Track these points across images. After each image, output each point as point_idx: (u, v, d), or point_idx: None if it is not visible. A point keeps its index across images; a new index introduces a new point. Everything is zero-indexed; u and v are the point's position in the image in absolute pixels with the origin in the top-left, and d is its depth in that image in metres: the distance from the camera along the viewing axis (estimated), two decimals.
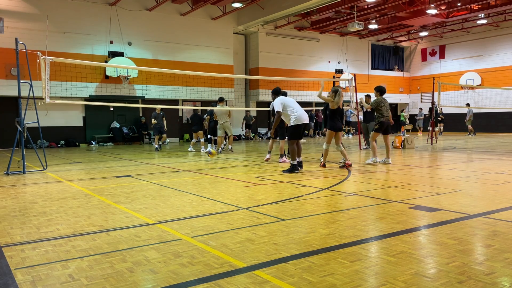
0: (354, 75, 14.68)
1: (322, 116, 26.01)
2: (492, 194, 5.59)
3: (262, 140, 23.11)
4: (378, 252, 3.24)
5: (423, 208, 4.74)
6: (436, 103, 16.52)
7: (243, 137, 24.21)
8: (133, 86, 20.48)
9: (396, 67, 32.06)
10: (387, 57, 31.57)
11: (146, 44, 21.05)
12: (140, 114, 21.70)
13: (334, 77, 27.14)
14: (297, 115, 8.27)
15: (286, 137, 9.05)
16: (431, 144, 16.21)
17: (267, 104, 20.88)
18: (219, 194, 5.93)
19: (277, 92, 9.21)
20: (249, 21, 23.13)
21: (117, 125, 20.94)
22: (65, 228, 4.14)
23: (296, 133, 8.32)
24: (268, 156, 10.46)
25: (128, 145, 20.37)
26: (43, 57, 9.05)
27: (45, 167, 9.42)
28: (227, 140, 15.04)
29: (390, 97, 27.37)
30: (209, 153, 11.24)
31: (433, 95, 16.99)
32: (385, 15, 23.73)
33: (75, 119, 19.97)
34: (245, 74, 25.49)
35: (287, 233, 3.77)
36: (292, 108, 8.35)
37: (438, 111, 21.29)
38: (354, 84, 13.89)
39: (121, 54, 20.12)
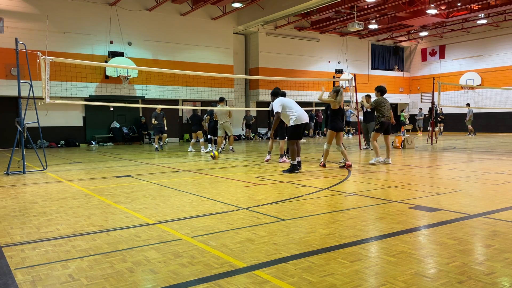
0: (354, 75, 14.69)
1: (322, 116, 26.03)
2: (492, 194, 5.59)
3: (262, 140, 23.11)
4: (378, 252, 3.24)
5: (423, 208, 4.74)
6: (436, 103, 16.52)
7: (243, 137, 24.21)
8: (133, 86, 20.48)
9: (396, 67, 32.06)
10: (387, 57, 31.57)
11: (146, 44, 21.05)
12: (140, 114, 21.70)
13: (334, 77, 27.14)
14: (297, 115, 8.27)
15: (286, 137, 9.04)
16: (431, 144, 16.21)
17: (267, 104, 20.88)
18: (219, 194, 5.93)
19: (276, 94, 9.23)
20: (249, 21, 23.14)
21: (117, 125, 20.95)
22: (65, 228, 4.14)
23: (296, 133, 8.32)
24: (268, 157, 10.42)
25: (128, 145, 20.37)
26: (43, 57, 9.05)
27: (45, 167, 9.42)
28: (227, 140, 15.04)
29: (390, 97, 27.33)
30: (213, 157, 11.12)
31: (433, 95, 16.99)
32: (385, 15, 23.73)
33: (75, 119, 19.97)
34: (245, 74, 25.50)
35: (287, 233, 3.77)
36: (291, 108, 8.35)
37: (438, 111, 21.30)
38: (354, 84, 13.89)
39: (121, 54, 20.12)
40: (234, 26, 23.87)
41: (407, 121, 25.95)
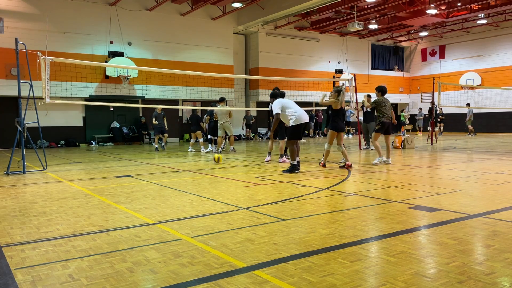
0: (354, 75, 14.69)
1: (322, 116, 26.04)
2: (492, 194, 5.59)
3: (262, 140, 23.11)
4: (378, 252, 3.24)
5: (423, 208, 4.74)
6: (436, 103, 16.51)
7: (243, 137, 24.21)
8: (133, 86, 20.48)
9: (396, 67, 32.06)
10: (387, 57, 31.58)
11: (146, 44, 21.05)
12: (140, 114, 21.70)
13: (334, 77, 27.14)
14: (297, 115, 8.27)
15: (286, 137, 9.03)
16: (431, 144, 16.21)
17: (267, 104, 20.87)
18: (219, 194, 5.93)
19: (274, 96, 9.26)
20: (249, 21, 23.14)
21: (117, 125, 20.95)
22: (65, 228, 4.14)
23: (296, 133, 8.31)
24: (268, 158, 10.37)
25: (128, 145, 20.37)
26: (43, 57, 9.05)
27: (45, 167, 9.42)
28: (227, 140, 15.03)
29: (390, 97, 27.20)
30: (216, 161, 10.72)
31: (433, 95, 16.99)
32: (385, 15, 23.73)
33: (75, 119, 19.98)
34: (245, 74, 25.50)
35: (287, 233, 3.77)
36: (291, 108, 8.35)
37: (438, 111, 21.29)
38: (354, 84, 13.89)
39: (121, 54, 20.12)
40: (234, 26, 23.87)
41: (407, 121, 25.95)
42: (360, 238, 3.61)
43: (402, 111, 27.99)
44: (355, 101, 13.83)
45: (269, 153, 10.46)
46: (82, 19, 19.27)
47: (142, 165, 10.27)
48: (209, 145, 14.57)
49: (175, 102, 21.71)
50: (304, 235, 3.72)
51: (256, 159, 11.51)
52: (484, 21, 25.43)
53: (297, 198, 5.54)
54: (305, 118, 8.37)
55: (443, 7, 22.52)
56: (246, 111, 23.68)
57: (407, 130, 24.53)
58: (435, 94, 16.22)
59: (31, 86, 8.85)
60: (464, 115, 25.15)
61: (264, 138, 24.79)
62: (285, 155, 10.36)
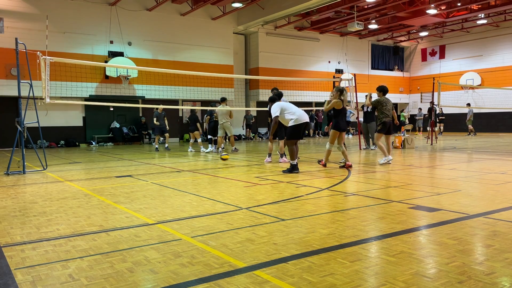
0: (354, 75, 14.69)
1: (322, 116, 26.04)
2: (492, 194, 5.59)
3: (262, 140, 23.11)
4: (378, 252, 3.24)
5: (423, 208, 4.74)
6: (436, 104, 16.52)
7: (243, 137, 24.20)
8: (133, 86, 20.48)
9: (396, 67, 32.07)
10: (387, 57, 31.58)
11: (146, 44, 21.05)
12: (140, 114, 21.71)
13: (334, 77, 27.13)
14: (297, 115, 8.27)
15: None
16: (431, 144, 16.21)
17: (267, 104, 20.87)
18: (219, 194, 5.93)
19: (273, 100, 9.29)
20: (249, 21, 23.14)
21: (117, 125, 20.95)
22: (65, 228, 4.14)
23: (296, 133, 8.30)
24: (269, 159, 10.36)
25: (128, 145, 20.37)
26: (43, 57, 9.05)
27: (45, 167, 9.42)
28: (227, 141, 15.03)
29: (390, 97, 27.21)
30: (221, 158, 10.80)
31: (433, 95, 16.99)
32: (385, 15, 23.74)
33: (75, 119, 19.98)
34: (245, 74, 25.50)
35: (287, 233, 3.77)
36: (290, 110, 8.37)
37: (438, 111, 21.29)
38: (354, 84, 13.89)
39: (121, 54, 20.13)
40: (234, 26, 23.87)
41: (407, 121, 25.94)
42: (360, 238, 3.61)
43: (402, 111, 28.00)
44: (355, 101, 13.82)
45: (269, 154, 10.45)
46: (82, 19, 19.28)
47: (142, 165, 10.27)
48: (209, 145, 14.58)
49: (175, 102, 21.71)
50: (304, 235, 3.72)
51: (256, 159, 11.51)
52: (484, 21, 25.43)
53: (297, 198, 5.54)
54: (305, 118, 8.37)
55: (443, 7, 22.52)
56: (246, 111, 23.68)
57: (407, 130, 24.53)
58: (435, 94, 16.22)
59: (31, 86, 8.85)
60: (464, 115, 25.15)
61: (264, 138, 24.79)
62: (285, 155, 10.36)
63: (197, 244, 3.49)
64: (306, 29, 26.19)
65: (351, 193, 5.93)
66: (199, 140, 14.77)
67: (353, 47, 29.25)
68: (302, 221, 4.22)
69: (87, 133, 20.29)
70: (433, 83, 16.52)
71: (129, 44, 20.54)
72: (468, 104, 24.22)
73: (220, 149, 13.76)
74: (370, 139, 14.07)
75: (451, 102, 22.72)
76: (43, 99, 9.12)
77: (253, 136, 24.77)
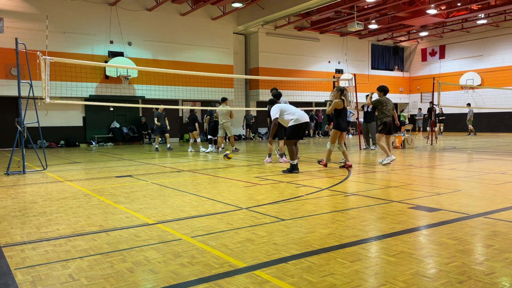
0: (354, 75, 14.69)
1: (323, 116, 26.05)
2: (492, 194, 5.59)
3: (262, 140, 23.11)
4: (378, 252, 3.24)
5: (423, 208, 4.74)
6: (436, 104, 16.52)
7: (243, 137, 24.20)
8: (133, 86, 20.48)
9: (396, 67, 32.06)
10: (387, 57, 31.58)
11: (146, 44, 21.05)
12: (140, 114, 21.71)
13: (334, 77, 27.14)
14: (297, 116, 8.27)
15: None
16: (431, 144, 16.21)
17: (267, 104, 20.88)
18: (219, 194, 5.93)
19: (273, 102, 9.31)
20: (249, 21, 23.14)
21: (117, 125, 20.95)
22: (65, 228, 4.14)
23: (296, 133, 8.30)
24: (269, 159, 10.35)
25: (128, 145, 20.37)
26: (43, 57, 9.05)
27: (45, 167, 9.42)
28: (227, 141, 15.03)
29: (390, 97, 27.29)
30: (226, 157, 10.70)
31: (433, 95, 16.99)
32: (385, 15, 23.73)
33: (75, 119, 19.98)
34: (245, 74, 25.50)
35: (287, 233, 3.77)
36: (290, 111, 8.37)
37: (438, 111, 21.29)
38: (354, 84, 13.89)
39: (121, 54, 20.13)
40: (234, 26, 23.87)
41: (407, 121, 25.94)
42: (360, 238, 3.61)
43: (402, 111, 27.99)
44: (355, 101, 13.82)
45: (269, 155, 10.45)
46: (82, 19, 19.28)
47: (142, 165, 10.27)
48: (209, 145, 14.58)
49: (175, 102, 21.71)
50: (304, 235, 3.72)
51: (256, 159, 11.51)
52: (484, 21, 25.43)
53: (297, 198, 5.54)
54: (305, 118, 8.37)
55: (443, 7, 22.52)
56: (246, 111, 23.68)
57: (407, 130, 24.53)
58: (435, 94, 16.22)
59: (31, 86, 8.85)
60: (464, 115, 25.15)
61: (264, 138, 24.79)
62: (285, 155, 10.36)
63: (197, 244, 3.49)
64: (306, 29, 26.19)
65: (351, 193, 5.93)
66: (198, 140, 14.78)
67: (353, 47, 29.25)
68: (302, 221, 4.22)
69: (87, 133, 20.29)
70: (433, 83, 16.51)
71: (129, 44, 20.54)
72: (468, 104, 24.21)
73: (220, 149, 13.76)
74: (370, 139, 14.06)
75: (451, 102, 22.72)
76: (43, 99, 9.12)
77: (253, 136, 24.76)
